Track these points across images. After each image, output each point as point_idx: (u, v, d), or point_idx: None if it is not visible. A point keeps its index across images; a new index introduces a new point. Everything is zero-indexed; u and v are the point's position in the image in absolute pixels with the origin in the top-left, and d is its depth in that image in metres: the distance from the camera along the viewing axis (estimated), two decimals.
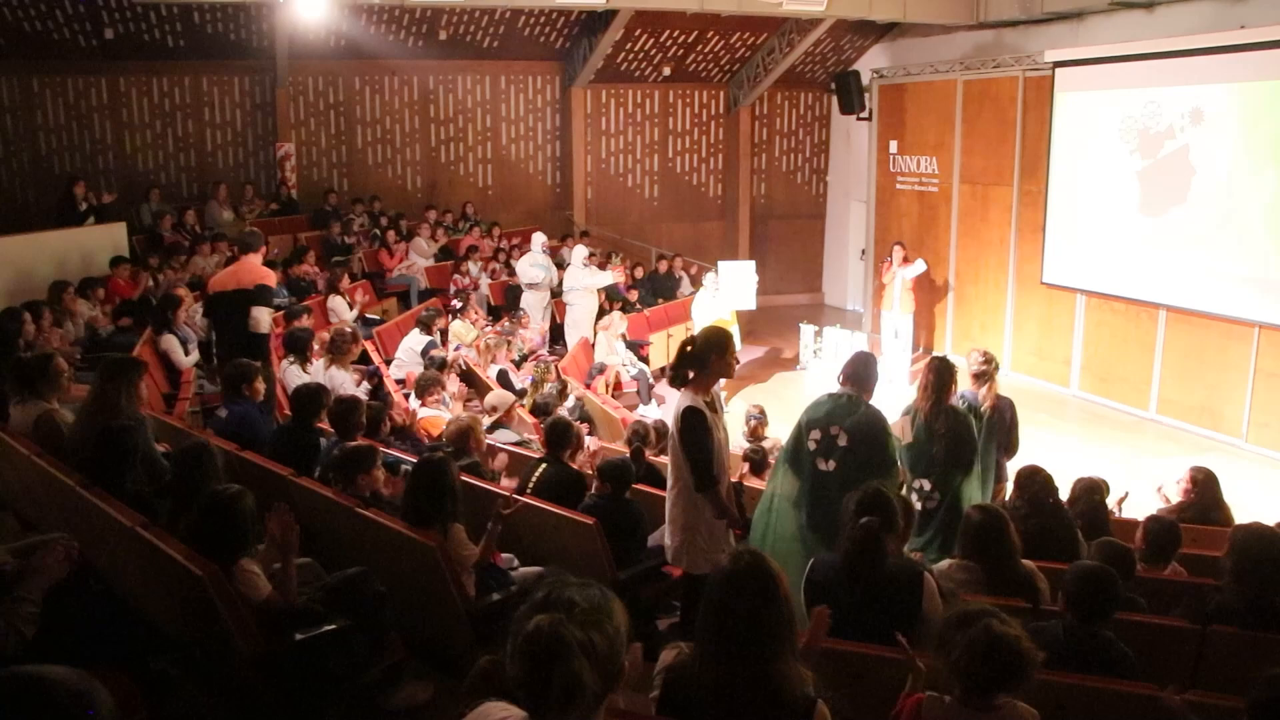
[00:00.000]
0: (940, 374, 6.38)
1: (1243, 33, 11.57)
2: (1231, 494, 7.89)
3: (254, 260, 8.63)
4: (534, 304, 14.77)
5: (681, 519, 5.31)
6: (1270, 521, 6.60)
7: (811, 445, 5.60)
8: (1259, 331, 11.72)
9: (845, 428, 5.54)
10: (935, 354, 7.12)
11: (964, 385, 6.93)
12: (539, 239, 15.17)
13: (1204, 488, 7.29)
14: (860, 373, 5.75)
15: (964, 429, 6.39)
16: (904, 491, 6.18)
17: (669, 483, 5.39)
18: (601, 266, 15.27)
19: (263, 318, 8.30)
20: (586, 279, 14.34)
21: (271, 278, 8.70)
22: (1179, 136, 12.36)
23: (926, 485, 6.31)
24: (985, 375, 7.04)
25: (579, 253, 14.63)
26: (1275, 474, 11.15)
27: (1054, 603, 4.32)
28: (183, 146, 16.40)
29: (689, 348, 5.24)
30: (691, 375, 5.18)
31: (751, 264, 15.13)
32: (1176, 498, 7.46)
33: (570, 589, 2.24)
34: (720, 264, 15.04)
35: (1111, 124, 13.24)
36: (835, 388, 5.79)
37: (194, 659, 4.31)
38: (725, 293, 14.18)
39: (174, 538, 4.23)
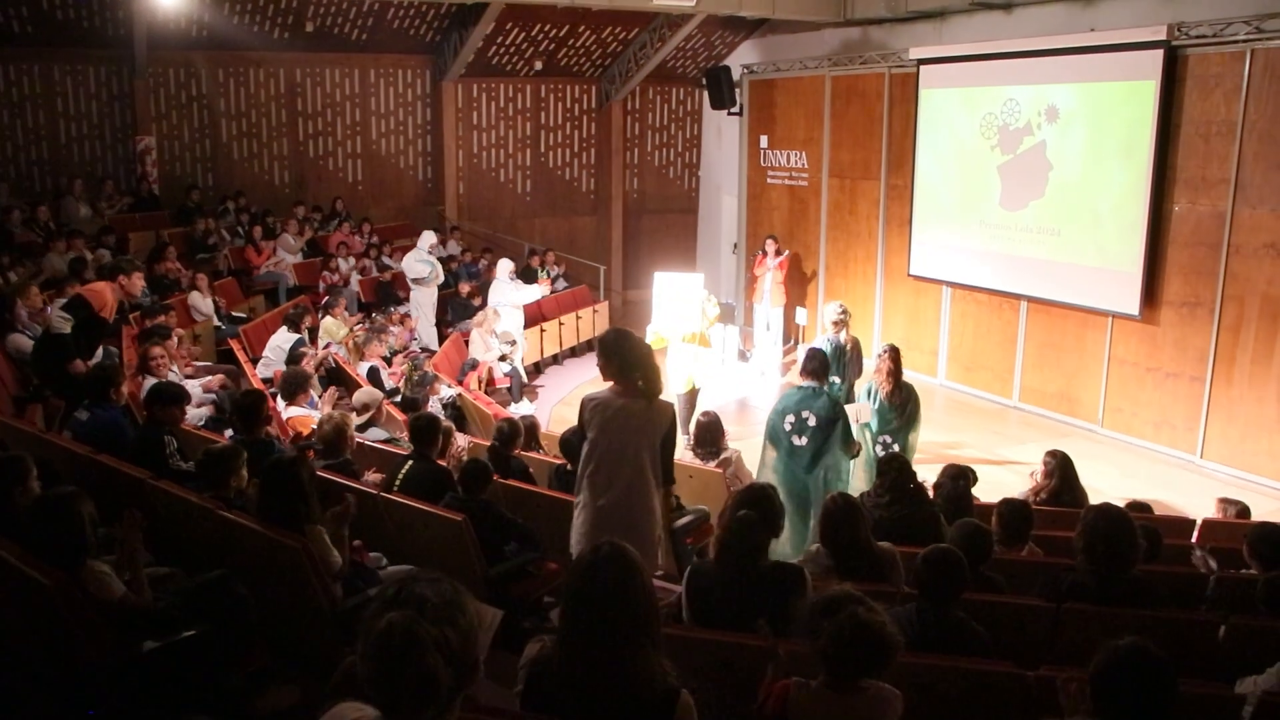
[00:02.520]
0: (895, 361, 8.87)
1: (1092, 35, 12.02)
2: (1087, 476, 8.20)
3: (99, 287, 8.71)
4: (422, 300, 14.63)
5: (653, 518, 5.28)
6: (1121, 502, 6.89)
7: (787, 427, 7.57)
8: (1112, 321, 12.20)
9: (813, 411, 7.52)
10: (888, 344, 9.25)
11: (828, 331, 9.90)
12: (428, 236, 14.99)
13: (1059, 470, 7.57)
14: (818, 369, 7.71)
15: (913, 400, 8.94)
16: (871, 447, 8.59)
17: (627, 483, 5.19)
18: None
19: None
20: (514, 295, 14.07)
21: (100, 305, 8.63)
22: (1036, 133, 12.78)
23: (888, 439, 8.76)
24: (843, 322, 9.91)
25: (504, 267, 14.32)
26: (1127, 457, 11.64)
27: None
28: (34, 138, 15.64)
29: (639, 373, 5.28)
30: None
31: (699, 277, 13.83)
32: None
33: (422, 585, 2.20)
34: (656, 275, 13.82)
35: (973, 120, 13.62)
36: (800, 381, 7.74)
37: (40, 673, 4.13)
38: (668, 309, 12.89)
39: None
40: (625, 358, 5.18)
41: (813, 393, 7.57)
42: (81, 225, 14.11)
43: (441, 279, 14.94)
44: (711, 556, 4.33)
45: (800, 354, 9.42)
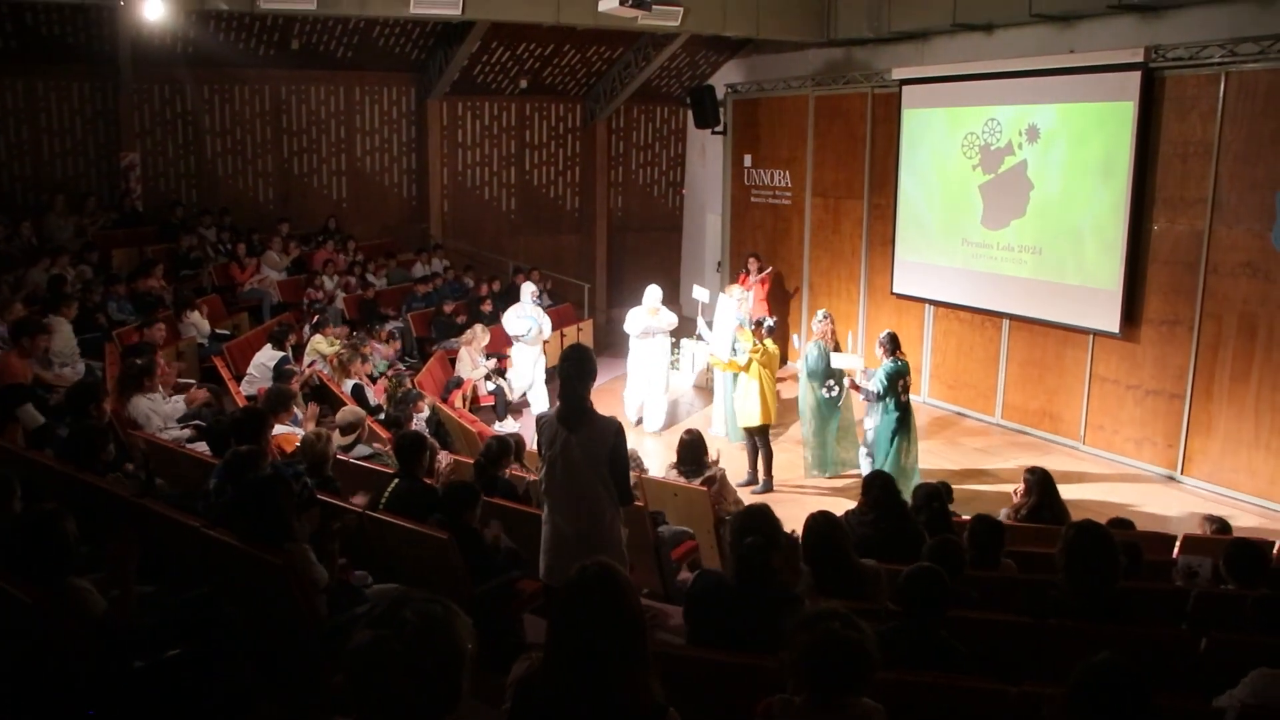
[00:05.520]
0: (834, 323, 11.38)
1: (1072, 56, 12.15)
2: (1069, 493, 8.26)
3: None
4: (522, 358, 13.72)
5: (619, 537, 5.38)
6: (1103, 518, 6.94)
7: (899, 389, 10.18)
8: (1093, 339, 12.28)
9: (907, 376, 10.35)
10: (824, 310, 11.73)
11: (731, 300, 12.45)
12: (529, 289, 14.02)
13: (1039, 487, 7.62)
14: (896, 343, 10.28)
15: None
16: (818, 392, 10.99)
17: (583, 506, 5.36)
18: None
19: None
20: (665, 322, 13.13)
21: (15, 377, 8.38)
22: (1017, 153, 12.88)
23: (831, 384, 11.00)
24: (744, 300, 12.91)
25: (653, 295, 13.12)
26: (1108, 473, 11.70)
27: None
28: (16, 154, 15.60)
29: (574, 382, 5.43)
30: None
31: (731, 303, 13.23)
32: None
33: (408, 605, 2.19)
34: (720, 299, 13.29)
35: (955, 140, 13.72)
36: (887, 358, 10.21)
37: (24, 694, 4.11)
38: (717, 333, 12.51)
39: None
40: (560, 374, 5.46)
41: (903, 363, 10.20)
42: (64, 241, 14.07)
43: (547, 335, 13.82)
44: (727, 578, 4.40)
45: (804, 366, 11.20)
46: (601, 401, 6.01)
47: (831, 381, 11.02)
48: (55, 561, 4.06)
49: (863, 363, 11.06)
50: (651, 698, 2.74)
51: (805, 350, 11.23)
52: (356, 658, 2.13)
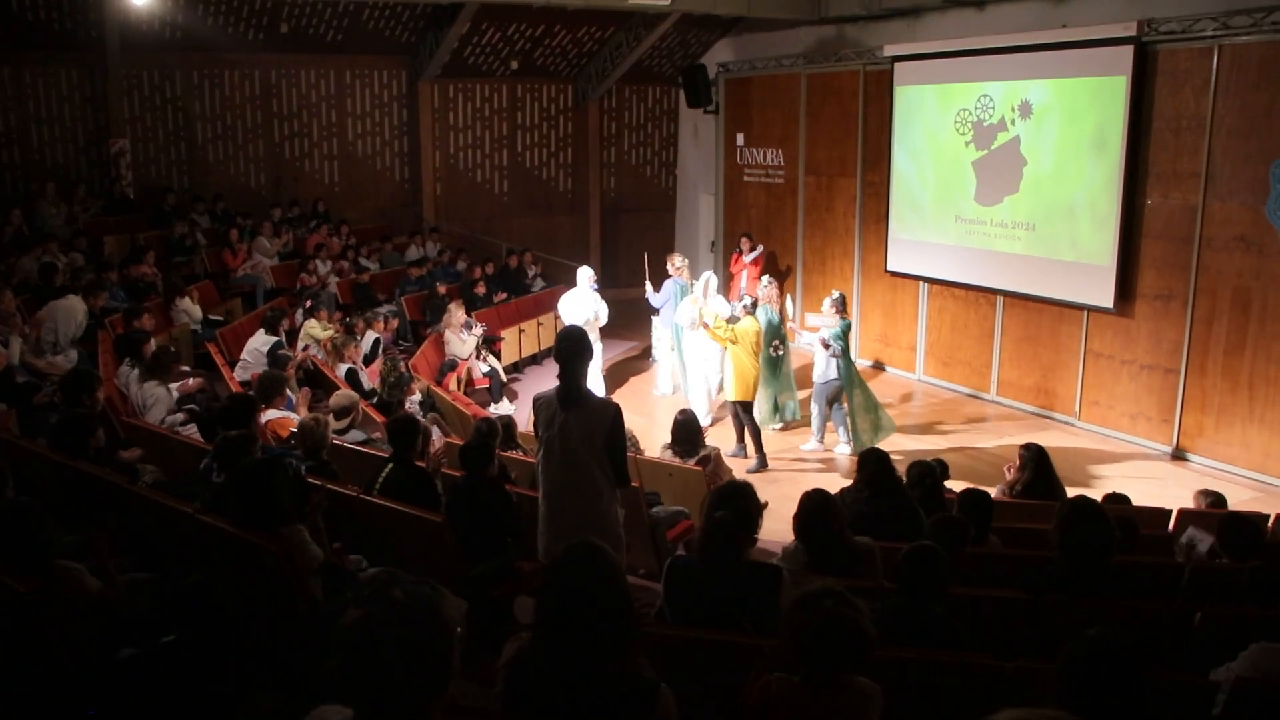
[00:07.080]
0: (780, 289, 11.98)
1: (1064, 31, 12.10)
2: (1064, 469, 8.25)
3: None
4: None
5: (615, 517, 5.37)
6: (1098, 494, 6.94)
7: (850, 341, 11.28)
8: (1087, 315, 12.28)
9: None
10: (770, 277, 12.34)
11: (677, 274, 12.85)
12: (586, 274, 13.00)
13: (1034, 463, 7.61)
14: (845, 304, 11.31)
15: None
16: (765, 351, 11.35)
17: (580, 486, 5.36)
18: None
19: None
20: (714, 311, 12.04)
21: None
22: (1010, 129, 12.84)
23: (778, 344, 11.59)
24: (681, 269, 12.89)
25: (704, 282, 12.28)
26: (1104, 449, 11.70)
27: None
28: (5, 142, 15.52)
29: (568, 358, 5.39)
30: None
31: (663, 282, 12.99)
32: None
33: (397, 585, 2.20)
34: (706, 275, 12.66)
35: (948, 116, 13.68)
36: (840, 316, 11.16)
37: (18, 685, 4.09)
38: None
39: None
40: (558, 355, 5.43)
41: (848, 321, 11.26)
42: (55, 229, 14.02)
43: (604, 321, 12.91)
44: (694, 555, 4.38)
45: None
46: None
47: (778, 341, 11.58)
48: (36, 548, 4.05)
49: (833, 322, 11.31)
50: (641, 675, 2.74)
51: (755, 315, 11.40)
52: (346, 635, 2.13)
